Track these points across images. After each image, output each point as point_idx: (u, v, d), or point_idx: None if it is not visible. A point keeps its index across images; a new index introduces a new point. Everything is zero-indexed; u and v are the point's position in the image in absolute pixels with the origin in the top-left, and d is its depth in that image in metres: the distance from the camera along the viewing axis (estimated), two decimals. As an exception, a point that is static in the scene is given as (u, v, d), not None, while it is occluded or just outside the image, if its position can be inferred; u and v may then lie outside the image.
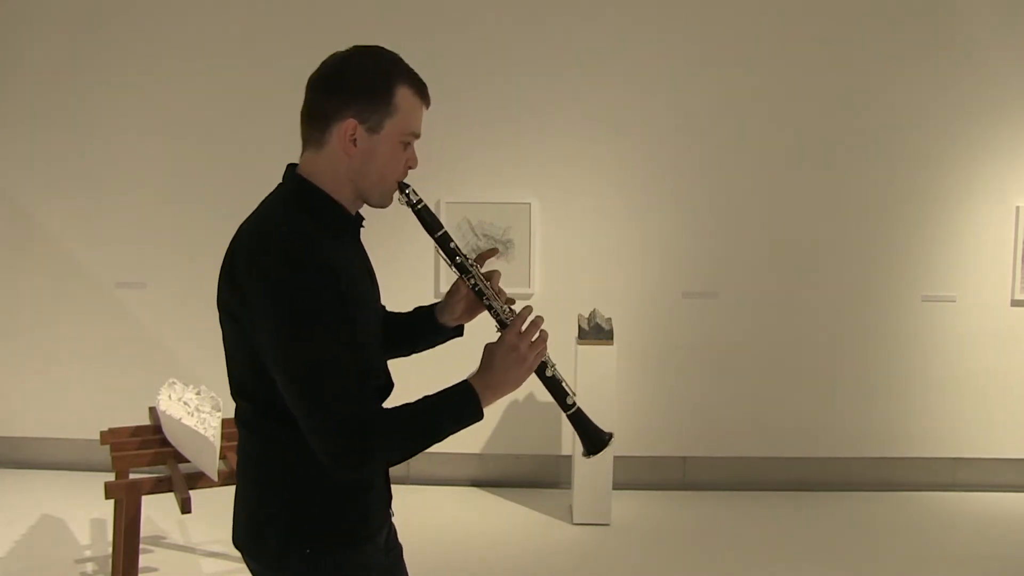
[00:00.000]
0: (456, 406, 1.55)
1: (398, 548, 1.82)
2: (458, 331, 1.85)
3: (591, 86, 4.65)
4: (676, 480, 4.82)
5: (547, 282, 4.71)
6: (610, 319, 4.32)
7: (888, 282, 4.73)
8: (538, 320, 1.60)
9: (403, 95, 1.53)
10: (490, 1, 4.65)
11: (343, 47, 1.60)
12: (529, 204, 4.66)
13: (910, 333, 4.74)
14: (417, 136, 1.59)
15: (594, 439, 1.68)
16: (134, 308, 4.87)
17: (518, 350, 1.56)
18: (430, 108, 1.62)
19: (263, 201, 1.62)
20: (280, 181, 1.65)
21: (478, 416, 1.57)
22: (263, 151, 4.70)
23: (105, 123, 4.79)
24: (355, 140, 1.52)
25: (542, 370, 1.63)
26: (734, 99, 4.65)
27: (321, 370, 1.42)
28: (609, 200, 4.71)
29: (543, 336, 1.59)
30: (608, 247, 4.72)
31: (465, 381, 1.57)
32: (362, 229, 1.70)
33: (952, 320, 4.73)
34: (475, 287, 1.66)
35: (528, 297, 4.59)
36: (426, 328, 1.80)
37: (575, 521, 4.26)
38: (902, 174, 4.68)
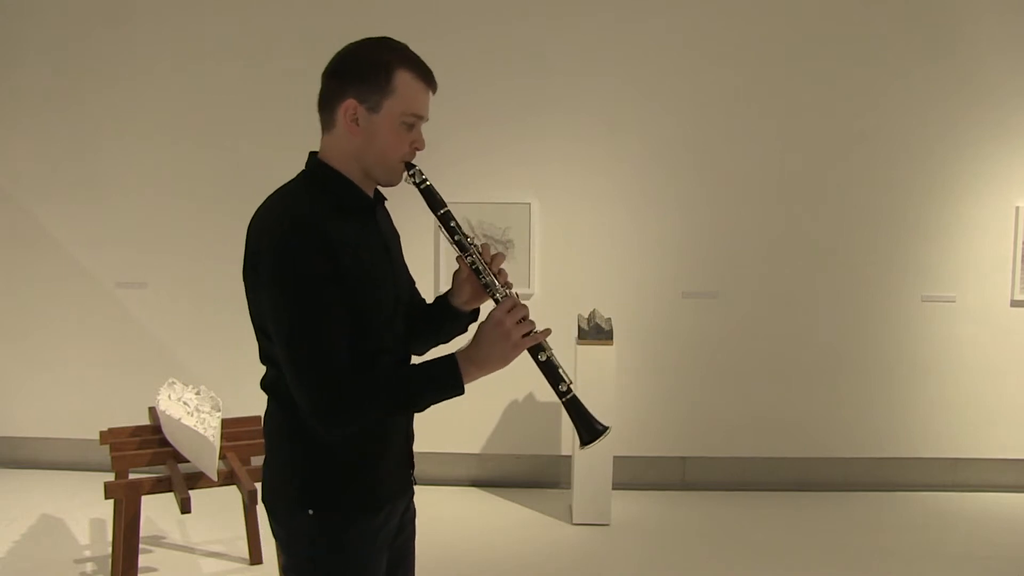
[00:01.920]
0: (438, 376, 1.61)
1: (410, 531, 1.88)
2: (474, 315, 1.90)
3: (591, 86, 4.65)
4: (676, 480, 4.82)
5: (547, 282, 4.71)
6: (610, 319, 4.32)
7: (888, 282, 4.73)
8: (524, 303, 1.68)
9: (402, 78, 1.62)
10: (490, 2, 4.66)
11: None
12: (529, 204, 4.66)
13: (910, 333, 4.75)
14: (421, 118, 1.67)
15: (590, 429, 1.70)
16: (134, 308, 4.87)
17: (503, 325, 1.61)
18: (431, 106, 1.69)
19: (277, 192, 1.72)
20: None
21: (458, 388, 1.62)
22: (263, 151, 4.71)
23: (105, 123, 4.79)
24: (356, 120, 1.62)
25: (536, 354, 1.67)
26: (734, 100, 4.65)
27: (307, 329, 1.53)
28: (609, 200, 4.71)
29: (530, 319, 1.65)
30: (608, 247, 4.72)
31: (451, 353, 1.63)
32: (384, 207, 1.81)
33: (952, 320, 4.73)
34: (472, 265, 1.72)
35: (528, 297, 4.58)
36: (445, 315, 1.85)
37: (575, 521, 4.26)
38: (902, 174, 4.68)
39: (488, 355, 1.61)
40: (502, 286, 1.72)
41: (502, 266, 1.77)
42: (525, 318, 1.64)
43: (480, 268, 1.71)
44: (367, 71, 1.61)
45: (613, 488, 4.28)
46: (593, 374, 4.17)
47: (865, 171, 4.68)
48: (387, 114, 1.62)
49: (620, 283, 4.73)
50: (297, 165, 1.78)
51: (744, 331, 4.75)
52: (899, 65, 4.63)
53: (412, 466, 1.84)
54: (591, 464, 4.23)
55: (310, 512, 1.65)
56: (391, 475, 1.75)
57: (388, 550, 1.78)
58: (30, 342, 4.94)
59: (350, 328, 1.59)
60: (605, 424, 1.72)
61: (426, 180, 1.70)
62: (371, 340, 1.65)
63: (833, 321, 4.74)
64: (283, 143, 4.76)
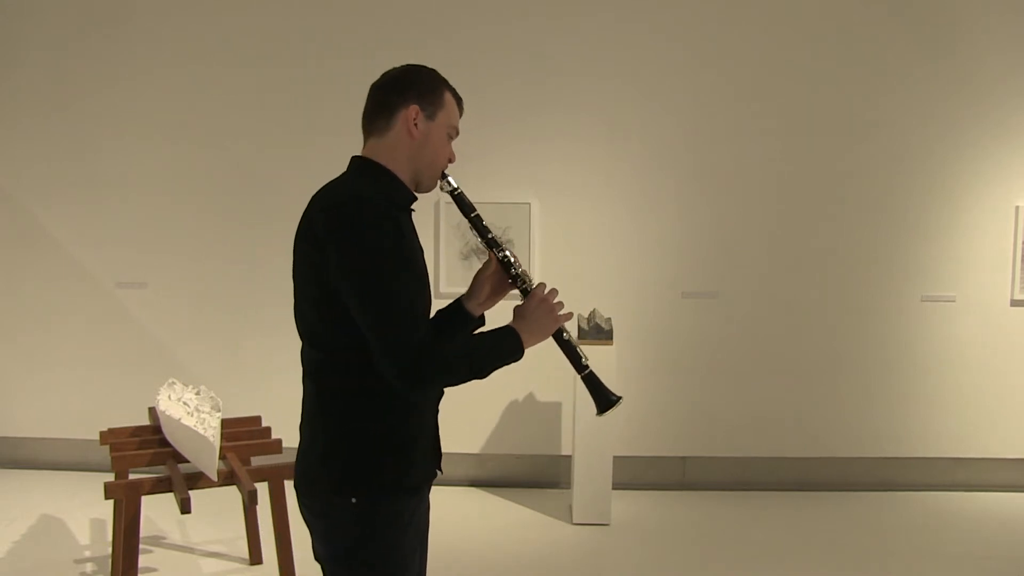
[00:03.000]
0: (503, 342, 1.80)
1: (428, 520, 2.03)
2: (480, 322, 2.05)
3: (591, 86, 4.65)
4: (676, 480, 4.82)
5: (547, 282, 4.69)
6: (610, 319, 4.32)
7: (888, 282, 4.73)
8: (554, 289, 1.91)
9: (447, 96, 1.86)
10: (490, 2, 4.65)
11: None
12: (529, 204, 4.66)
13: (910, 333, 4.75)
14: (457, 133, 1.90)
15: (605, 400, 1.94)
16: (134, 308, 4.87)
17: (547, 301, 1.86)
18: None
19: (329, 182, 1.82)
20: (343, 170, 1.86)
21: (519, 353, 1.81)
22: (263, 152, 4.72)
23: (105, 123, 4.80)
24: (417, 123, 1.81)
25: (560, 335, 1.90)
26: (734, 100, 4.65)
27: (395, 300, 1.65)
28: (609, 200, 4.71)
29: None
30: (608, 247, 4.72)
31: (509, 325, 1.83)
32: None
33: (952, 320, 4.73)
34: (504, 259, 1.93)
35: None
36: (457, 319, 2.00)
37: (575, 521, 4.26)
38: (902, 174, 4.68)
39: (536, 326, 1.83)
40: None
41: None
42: (559, 301, 1.88)
43: (512, 260, 1.93)
44: (426, 85, 1.83)
45: (613, 488, 4.28)
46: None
47: (865, 171, 4.68)
48: (439, 123, 1.84)
49: (620, 283, 4.73)
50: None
51: (744, 331, 4.75)
52: (899, 65, 4.63)
53: (440, 450, 1.96)
54: (591, 464, 4.23)
55: (352, 500, 1.72)
56: (426, 456, 1.87)
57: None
58: (30, 342, 4.94)
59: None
60: (617, 395, 1.95)
61: (458, 188, 1.91)
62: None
63: (833, 321, 4.74)
64: (283, 143, 4.78)
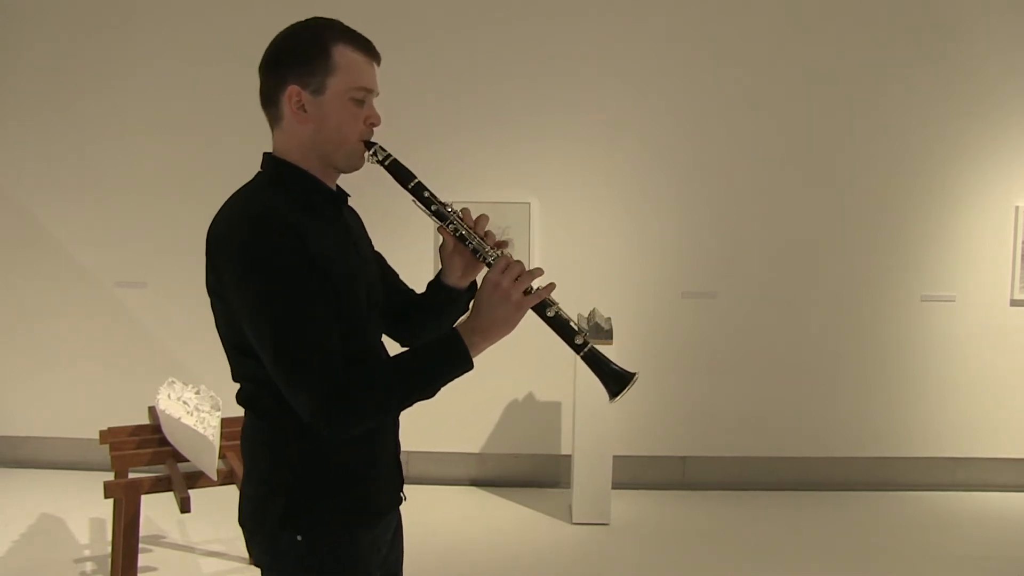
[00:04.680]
0: (442, 353, 1.50)
1: (400, 549, 1.79)
2: (472, 290, 1.78)
3: (590, 86, 4.65)
4: (675, 480, 4.82)
5: (546, 282, 4.69)
6: (609, 319, 4.32)
7: (888, 282, 4.73)
8: (519, 261, 1.56)
9: (341, 52, 1.53)
10: (489, 3, 4.65)
11: None
12: (529, 204, 4.66)
13: (910, 333, 4.74)
14: (369, 91, 1.57)
15: (616, 378, 1.57)
16: (134, 308, 4.87)
17: (500, 287, 1.50)
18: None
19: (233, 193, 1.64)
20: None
21: (464, 361, 1.50)
22: (263, 150, 4.71)
23: (105, 123, 4.79)
24: (303, 106, 1.53)
25: (543, 311, 1.56)
26: (734, 99, 4.65)
27: (294, 330, 1.41)
28: (608, 200, 4.71)
29: (532, 272, 1.54)
30: (608, 247, 4.72)
31: (452, 328, 1.54)
32: (350, 205, 1.72)
33: (951, 320, 4.73)
34: (456, 232, 1.62)
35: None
36: (440, 297, 1.75)
37: (574, 521, 4.26)
38: (902, 174, 4.68)
39: (490, 321, 1.50)
40: (492, 248, 1.61)
41: (488, 228, 1.66)
42: (522, 275, 1.53)
43: (464, 233, 1.61)
44: (303, 53, 1.53)
45: (613, 488, 4.28)
46: (593, 374, 4.16)
47: (865, 171, 4.68)
48: (333, 93, 1.52)
49: (620, 283, 4.73)
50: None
51: (744, 331, 4.75)
52: (899, 65, 4.63)
53: (402, 474, 1.74)
54: (591, 464, 4.23)
55: (298, 538, 1.53)
56: (383, 483, 1.65)
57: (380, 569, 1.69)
58: (30, 342, 4.93)
59: (337, 322, 1.48)
60: (631, 371, 1.58)
61: (389, 156, 1.59)
62: (356, 338, 1.55)
63: (833, 321, 4.74)
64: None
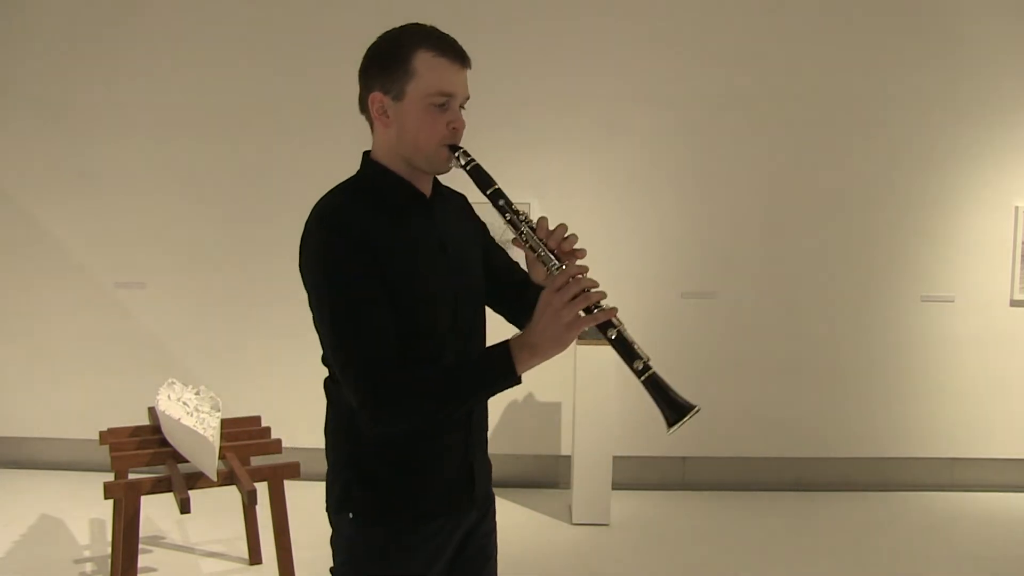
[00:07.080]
0: (490, 365, 1.51)
1: (485, 554, 1.76)
2: None
3: (591, 86, 4.65)
4: (675, 480, 4.82)
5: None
6: (609, 319, 4.31)
7: (887, 282, 4.73)
8: (582, 278, 1.54)
9: (422, 59, 1.58)
10: (489, 3, 4.65)
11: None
12: (529, 204, 4.66)
13: (909, 333, 4.75)
14: (452, 96, 1.60)
15: (676, 408, 1.53)
16: (134, 308, 4.87)
17: (551, 306, 1.48)
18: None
19: None
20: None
21: (511, 375, 1.49)
22: (263, 151, 4.71)
23: (105, 123, 4.79)
24: (385, 111, 1.59)
25: (605, 331, 1.54)
26: (734, 99, 4.65)
27: (348, 319, 1.47)
28: (608, 200, 4.71)
29: (590, 294, 1.51)
30: (607, 247, 4.72)
31: (505, 340, 1.52)
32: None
33: (951, 320, 4.73)
34: (526, 242, 1.65)
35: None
36: (532, 293, 1.71)
37: (574, 521, 4.26)
38: (902, 174, 4.68)
39: (541, 338, 1.47)
40: (559, 259, 1.62)
41: (567, 234, 1.67)
42: (583, 293, 1.49)
43: (532, 244, 1.63)
44: (385, 60, 1.59)
45: (613, 488, 4.28)
46: (593, 374, 4.17)
47: (865, 171, 4.68)
48: (412, 99, 1.56)
49: (620, 283, 4.73)
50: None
51: (743, 331, 4.75)
52: (899, 65, 4.63)
53: (473, 481, 1.70)
54: (591, 464, 4.23)
55: (350, 516, 1.62)
56: (442, 487, 1.64)
57: (448, 568, 1.69)
58: (30, 342, 4.93)
59: (395, 324, 1.51)
60: (692, 402, 1.53)
61: (472, 160, 1.63)
62: (423, 347, 1.56)
63: (833, 321, 4.74)
64: (284, 143, 4.78)
